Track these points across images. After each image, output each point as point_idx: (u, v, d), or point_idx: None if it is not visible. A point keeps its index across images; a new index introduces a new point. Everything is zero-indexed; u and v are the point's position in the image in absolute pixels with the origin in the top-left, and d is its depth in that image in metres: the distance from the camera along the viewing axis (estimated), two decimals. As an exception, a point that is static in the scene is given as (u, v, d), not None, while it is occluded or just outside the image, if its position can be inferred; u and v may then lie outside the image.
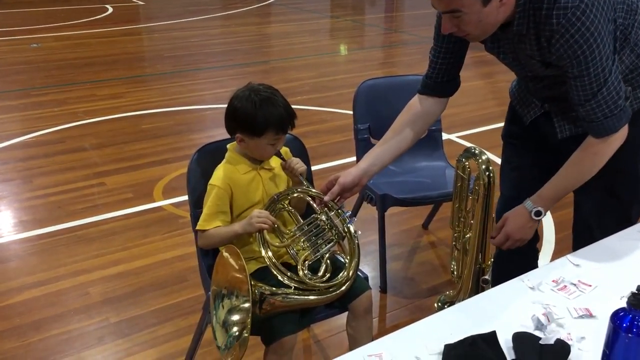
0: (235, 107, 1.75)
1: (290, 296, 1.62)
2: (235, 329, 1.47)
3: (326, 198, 1.73)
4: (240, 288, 1.49)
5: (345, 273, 1.71)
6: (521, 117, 1.90)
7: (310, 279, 1.66)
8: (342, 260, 1.77)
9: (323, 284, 1.67)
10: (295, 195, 1.81)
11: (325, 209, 1.76)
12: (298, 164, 1.82)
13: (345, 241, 1.75)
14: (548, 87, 1.72)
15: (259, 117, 1.71)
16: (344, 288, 1.69)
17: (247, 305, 1.45)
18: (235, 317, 1.48)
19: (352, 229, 1.75)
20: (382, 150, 1.82)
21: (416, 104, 1.86)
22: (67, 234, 3.00)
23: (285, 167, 1.82)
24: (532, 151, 1.93)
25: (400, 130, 1.83)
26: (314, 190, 1.81)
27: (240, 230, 1.73)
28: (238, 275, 1.49)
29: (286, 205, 1.80)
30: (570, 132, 1.77)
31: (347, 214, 1.76)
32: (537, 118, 1.84)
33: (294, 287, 1.65)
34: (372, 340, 1.39)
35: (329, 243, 1.73)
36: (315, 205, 1.79)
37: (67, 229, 3.05)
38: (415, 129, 1.84)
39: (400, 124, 1.83)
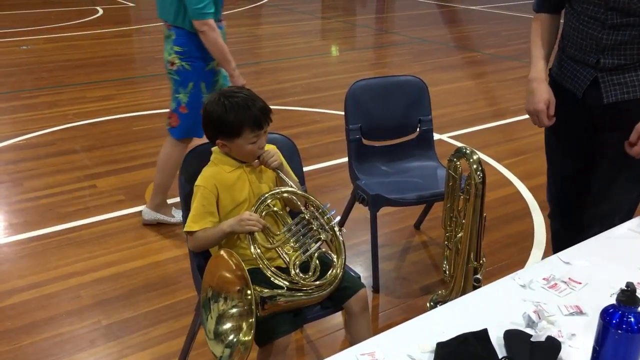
0: (208, 113, 1.77)
1: (285, 297, 1.62)
2: (232, 336, 1.46)
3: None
4: (231, 291, 1.48)
5: (334, 271, 1.73)
6: (572, 93, 1.94)
7: (302, 278, 1.67)
8: (330, 258, 1.77)
9: (314, 283, 1.68)
10: (285, 195, 1.81)
11: (311, 208, 1.77)
12: (272, 157, 1.80)
13: (332, 239, 1.76)
14: (620, 26, 1.75)
15: (231, 118, 1.73)
16: (332, 286, 1.71)
17: (235, 310, 1.45)
18: (229, 324, 1.47)
19: (336, 227, 1.76)
20: (544, 54, 1.95)
21: (542, 19, 1.99)
22: (58, 237, 2.99)
23: (260, 162, 1.81)
24: (582, 132, 2.02)
25: (547, 39, 1.97)
26: (294, 188, 1.80)
27: (228, 230, 1.73)
28: (235, 278, 1.48)
29: (273, 206, 1.80)
30: (616, 98, 1.83)
31: (332, 213, 1.77)
32: (584, 92, 1.89)
33: (287, 287, 1.65)
34: None
35: (316, 242, 1.74)
36: (300, 204, 1.79)
37: (58, 231, 3.03)
38: (552, 38, 2.00)
39: (545, 33, 1.97)
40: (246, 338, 1.42)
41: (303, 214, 1.77)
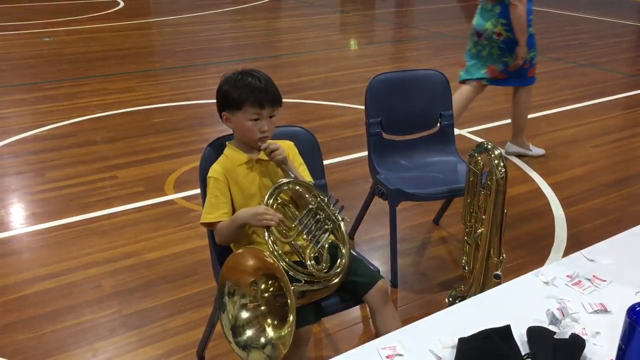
0: (219, 87, 1.83)
1: (311, 290, 1.64)
2: (263, 338, 1.47)
3: None
4: (251, 288, 1.49)
5: (341, 261, 1.74)
6: None
7: (317, 270, 1.68)
8: (335, 247, 1.78)
9: (328, 274, 1.69)
10: (290, 187, 1.78)
11: (318, 199, 1.77)
12: (277, 150, 1.78)
13: (337, 229, 1.77)
14: None
15: (237, 89, 1.78)
16: (341, 276, 1.72)
17: (256, 309, 1.46)
18: (253, 328, 1.48)
19: (339, 216, 1.76)
20: None
21: None
22: (79, 227, 3.02)
23: (264, 149, 1.79)
24: None
25: None
26: (295, 178, 1.79)
27: (241, 222, 1.73)
28: (265, 272, 1.50)
29: (283, 198, 1.79)
30: None
31: (335, 202, 1.78)
32: None
33: (304, 280, 1.65)
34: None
35: (325, 233, 1.75)
36: (307, 195, 1.78)
37: (79, 221, 3.07)
38: None
39: None
40: (283, 333, 1.43)
41: (311, 205, 1.76)
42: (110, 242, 2.88)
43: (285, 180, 1.80)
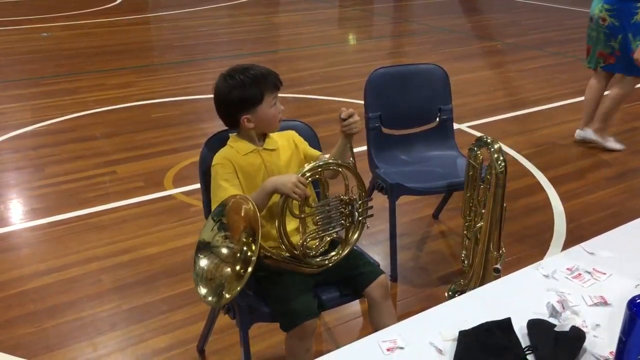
0: (225, 95, 1.77)
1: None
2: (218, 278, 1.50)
3: None
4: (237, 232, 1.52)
5: (335, 256, 1.75)
6: None
7: (304, 253, 1.70)
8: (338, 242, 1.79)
9: (311, 259, 1.72)
10: (341, 169, 1.75)
11: (355, 196, 1.75)
12: (356, 123, 1.77)
13: (352, 229, 1.76)
14: None
15: (250, 86, 1.75)
16: (322, 268, 1.74)
17: (227, 250, 1.51)
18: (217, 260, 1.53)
19: (365, 222, 1.77)
20: None
21: None
22: (78, 222, 3.02)
23: (343, 122, 1.77)
24: None
25: None
26: (350, 164, 1.76)
27: (270, 189, 1.65)
28: (246, 224, 1.51)
29: (322, 174, 1.75)
30: None
31: (368, 207, 1.77)
32: None
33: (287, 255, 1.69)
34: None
35: (338, 227, 1.74)
36: (346, 186, 1.77)
37: (78, 216, 3.07)
38: None
39: None
40: (234, 291, 1.45)
41: (344, 195, 1.74)
42: (110, 237, 2.88)
43: (341, 162, 1.75)
